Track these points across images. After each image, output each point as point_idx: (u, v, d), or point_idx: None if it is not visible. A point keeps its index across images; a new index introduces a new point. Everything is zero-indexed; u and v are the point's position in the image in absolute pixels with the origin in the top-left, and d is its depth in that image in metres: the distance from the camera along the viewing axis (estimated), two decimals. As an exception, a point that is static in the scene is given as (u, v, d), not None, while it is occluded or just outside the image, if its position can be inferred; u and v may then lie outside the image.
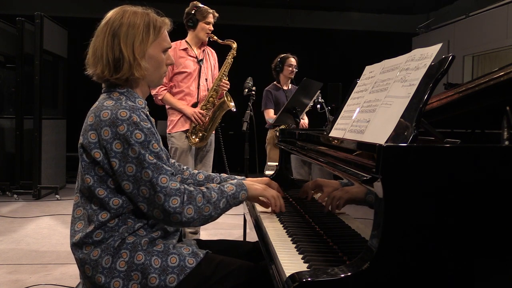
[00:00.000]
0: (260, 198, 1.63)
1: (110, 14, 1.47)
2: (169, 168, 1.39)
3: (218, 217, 1.45)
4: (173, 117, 3.37)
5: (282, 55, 4.39)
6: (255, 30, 8.38)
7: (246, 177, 1.86)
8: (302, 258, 1.22)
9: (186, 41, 3.40)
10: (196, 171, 1.85)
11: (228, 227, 4.47)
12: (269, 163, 3.57)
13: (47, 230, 4.35)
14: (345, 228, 1.28)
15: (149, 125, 1.40)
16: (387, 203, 1.01)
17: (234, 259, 1.50)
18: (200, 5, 3.37)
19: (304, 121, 4.19)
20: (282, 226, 1.55)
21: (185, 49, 3.36)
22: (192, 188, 1.41)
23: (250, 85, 3.38)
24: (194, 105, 3.35)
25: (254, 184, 1.59)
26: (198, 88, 3.36)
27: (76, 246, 1.42)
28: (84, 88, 6.33)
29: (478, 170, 1.05)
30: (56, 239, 4.02)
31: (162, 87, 3.27)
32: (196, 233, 3.39)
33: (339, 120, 1.70)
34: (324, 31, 8.65)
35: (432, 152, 1.05)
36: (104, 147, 1.36)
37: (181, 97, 3.34)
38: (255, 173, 3.53)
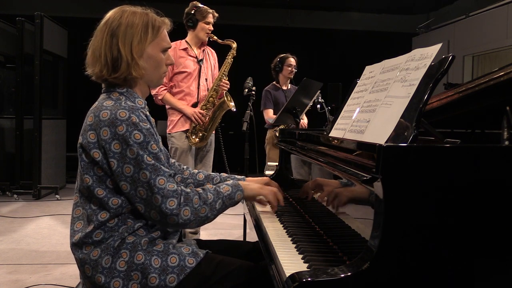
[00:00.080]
0: (258, 197, 1.63)
1: (109, 14, 1.47)
2: (167, 170, 1.39)
3: (214, 218, 1.45)
4: (173, 117, 3.36)
5: (282, 55, 4.38)
6: (255, 30, 8.38)
7: (246, 177, 1.86)
8: (302, 258, 1.22)
9: (186, 41, 3.40)
10: (196, 171, 1.84)
11: (228, 227, 4.47)
12: (269, 163, 3.57)
13: (47, 230, 4.35)
14: (345, 228, 1.28)
15: (148, 126, 1.39)
16: (387, 203, 1.01)
17: (234, 259, 1.50)
18: (200, 5, 3.37)
19: (304, 121, 4.19)
20: (282, 226, 1.55)
21: (185, 49, 3.36)
22: (188, 190, 1.40)
23: (250, 85, 3.38)
24: (194, 105, 3.35)
25: (250, 184, 1.59)
26: (198, 88, 3.36)
27: (76, 246, 1.42)
28: (84, 88, 6.35)
29: (478, 170, 1.05)
30: (56, 239, 4.02)
31: (162, 87, 3.27)
32: (196, 233, 3.39)
33: (339, 120, 1.70)
34: (324, 31, 8.65)
35: (432, 152, 1.04)
36: (103, 147, 1.36)
37: (181, 97, 3.34)
38: (255, 173, 3.53)
